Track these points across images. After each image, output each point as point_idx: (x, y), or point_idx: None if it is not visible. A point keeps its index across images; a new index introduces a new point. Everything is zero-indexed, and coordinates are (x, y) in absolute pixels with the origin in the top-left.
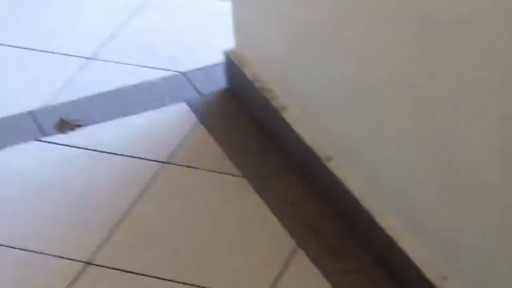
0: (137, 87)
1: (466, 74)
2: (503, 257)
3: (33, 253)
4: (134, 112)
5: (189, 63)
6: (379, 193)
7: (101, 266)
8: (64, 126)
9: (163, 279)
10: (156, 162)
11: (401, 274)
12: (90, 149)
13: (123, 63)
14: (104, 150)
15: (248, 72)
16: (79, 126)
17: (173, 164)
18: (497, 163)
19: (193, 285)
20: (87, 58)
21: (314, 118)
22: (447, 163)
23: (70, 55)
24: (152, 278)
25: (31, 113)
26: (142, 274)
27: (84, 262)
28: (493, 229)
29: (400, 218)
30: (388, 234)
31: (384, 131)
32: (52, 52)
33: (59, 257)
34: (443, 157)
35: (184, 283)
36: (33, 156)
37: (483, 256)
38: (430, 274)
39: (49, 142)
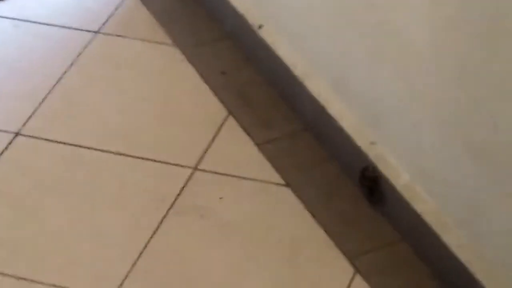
0: None
1: None
2: (427, 121)
3: None
4: None
5: None
6: (308, 60)
7: (30, 136)
8: None
9: (93, 149)
10: (87, 32)
11: (331, 139)
12: (20, 20)
13: None
14: (34, 20)
15: None
16: None
17: (104, 33)
18: (424, 26)
19: (124, 154)
20: None
21: None
22: (373, 26)
23: None
24: (82, 147)
25: None
26: (72, 144)
27: (13, 132)
28: (419, 94)
29: (329, 84)
30: (318, 100)
31: None
32: None
33: None
34: (369, 20)
35: (114, 153)
36: None
37: (409, 121)
38: (359, 139)
39: None
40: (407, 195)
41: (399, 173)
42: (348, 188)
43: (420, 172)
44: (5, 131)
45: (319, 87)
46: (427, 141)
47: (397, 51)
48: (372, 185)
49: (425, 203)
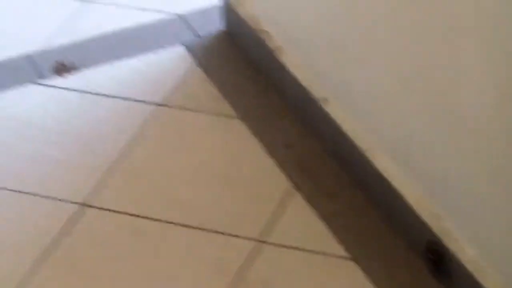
0: (134, 29)
1: (460, 12)
2: (493, 195)
3: (31, 195)
4: (131, 55)
5: (186, 5)
6: (372, 134)
7: (98, 207)
8: (61, 69)
9: (159, 220)
10: (153, 104)
11: (395, 212)
12: (86, 92)
13: (120, 5)
14: (101, 93)
15: (244, 13)
16: (76, 69)
17: (169, 106)
18: (491, 104)
19: (188, 226)
20: (83, 0)
21: (309, 59)
22: (439, 103)
23: None
24: (147, 219)
25: (28, 56)
26: (138, 215)
27: (81, 204)
28: (485, 169)
29: (393, 157)
30: (382, 174)
31: (378, 72)
32: None
33: (56, 199)
34: (436, 97)
35: (180, 224)
36: (30, 99)
37: (475, 195)
38: (423, 212)
39: (46, 85)
40: (473, 270)
41: (464, 247)
42: (413, 262)
43: (486, 246)
44: (72, 202)
45: (382, 160)
46: (493, 215)
47: (463, 127)
48: (437, 259)
49: (492, 279)
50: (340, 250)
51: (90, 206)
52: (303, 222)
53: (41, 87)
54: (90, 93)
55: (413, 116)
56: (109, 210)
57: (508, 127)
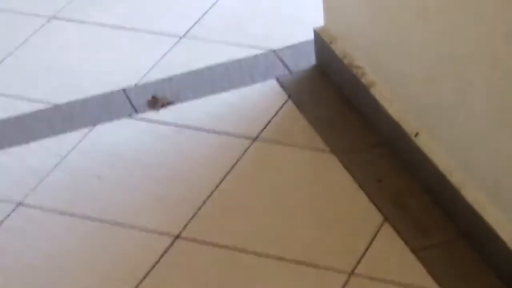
0: (227, 64)
1: None
2: None
3: (123, 227)
4: (224, 90)
5: (279, 41)
6: (465, 168)
7: (190, 239)
8: (156, 103)
9: (251, 252)
10: (246, 138)
11: (487, 248)
12: (181, 126)
13: (214, 41)
14: (195, 127)
15: (337, 49)
16: (171, 103)
17: (262, 140)
18: None
19: (280, 258)
20: (179, 36)
21: (401, 94)
22: None
23: (162, 33)
24: (240, 251)
25: (124, 90)
26: (231, 248)
27: (176, 236)
28: None
29: (486, 192)
30: (474, 209)
31: (470, 106)
32: (145, 31)
33: (149, 231)
34: None
35: (272, 257)
36: (125, 133)
37: None
38: None
39: (141, 119)
40: None
41: None
42: None
43: None
44: (166, 234)
45: (475, 195)
46: None
47: None
48: None
49: None
50: (432, 284)
51: (185, 238)
52: (394, 255)
53: (136, 121)
54: (185, 127)
55: (507, 152)
56: (203, 242)
57: None
